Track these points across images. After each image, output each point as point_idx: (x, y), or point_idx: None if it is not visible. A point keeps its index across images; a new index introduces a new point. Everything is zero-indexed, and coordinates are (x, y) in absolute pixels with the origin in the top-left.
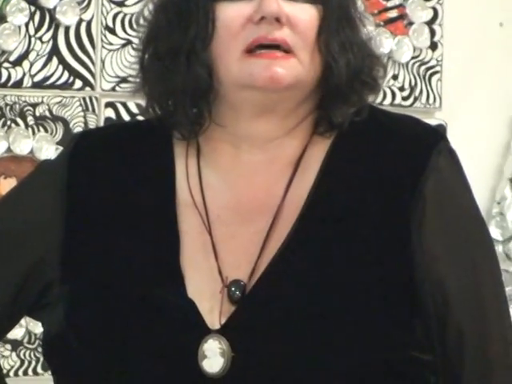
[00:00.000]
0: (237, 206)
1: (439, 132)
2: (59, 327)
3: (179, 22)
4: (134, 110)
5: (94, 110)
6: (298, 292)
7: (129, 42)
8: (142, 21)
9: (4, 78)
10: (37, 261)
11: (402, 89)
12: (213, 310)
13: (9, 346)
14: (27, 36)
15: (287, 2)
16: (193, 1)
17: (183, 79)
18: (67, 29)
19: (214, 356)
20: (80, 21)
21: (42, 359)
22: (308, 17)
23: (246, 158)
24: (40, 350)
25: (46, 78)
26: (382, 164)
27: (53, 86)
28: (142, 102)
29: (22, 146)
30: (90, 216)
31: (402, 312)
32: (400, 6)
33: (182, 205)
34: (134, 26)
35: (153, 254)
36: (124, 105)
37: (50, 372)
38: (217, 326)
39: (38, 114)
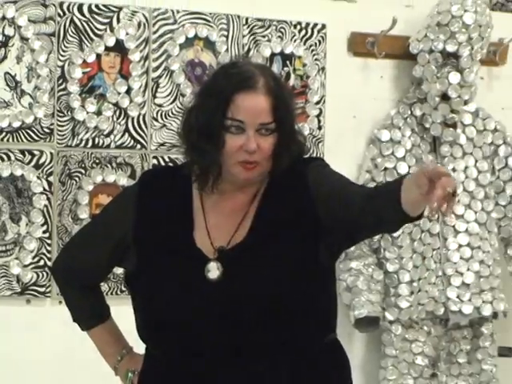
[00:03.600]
0: (223, 211)
1: (314, 156)
2: (132, 268)
3: (205, 136)
4: (167, 160)
5: (146, 159)
6: (254, 249)
7: (164, 126)
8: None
9: (100, 143)
10: (121, 236)
11: None
12: (210, 256)
13: None
14: (113, 122)
15: (259, 136)
16: (216, 129)
17: (206, 166)
18: (133, 118)
19: (213, 270)
20: (139, 114)
21: (119, 287)
22: (269, 145)
23: (230, 195)
24: (119, 282)
25: (122, 143)
26: (293, 181)
27: (125, 147)
28: (172, 156)
29: (109, 178)
30: (146, 214)
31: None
32: (302, 107)
33: (195, 210)
34: (167, 117)
35: (179, 232)
36: (162, 157)
37: (124, 293)
38: (214, 257)
39: (118, 161)
